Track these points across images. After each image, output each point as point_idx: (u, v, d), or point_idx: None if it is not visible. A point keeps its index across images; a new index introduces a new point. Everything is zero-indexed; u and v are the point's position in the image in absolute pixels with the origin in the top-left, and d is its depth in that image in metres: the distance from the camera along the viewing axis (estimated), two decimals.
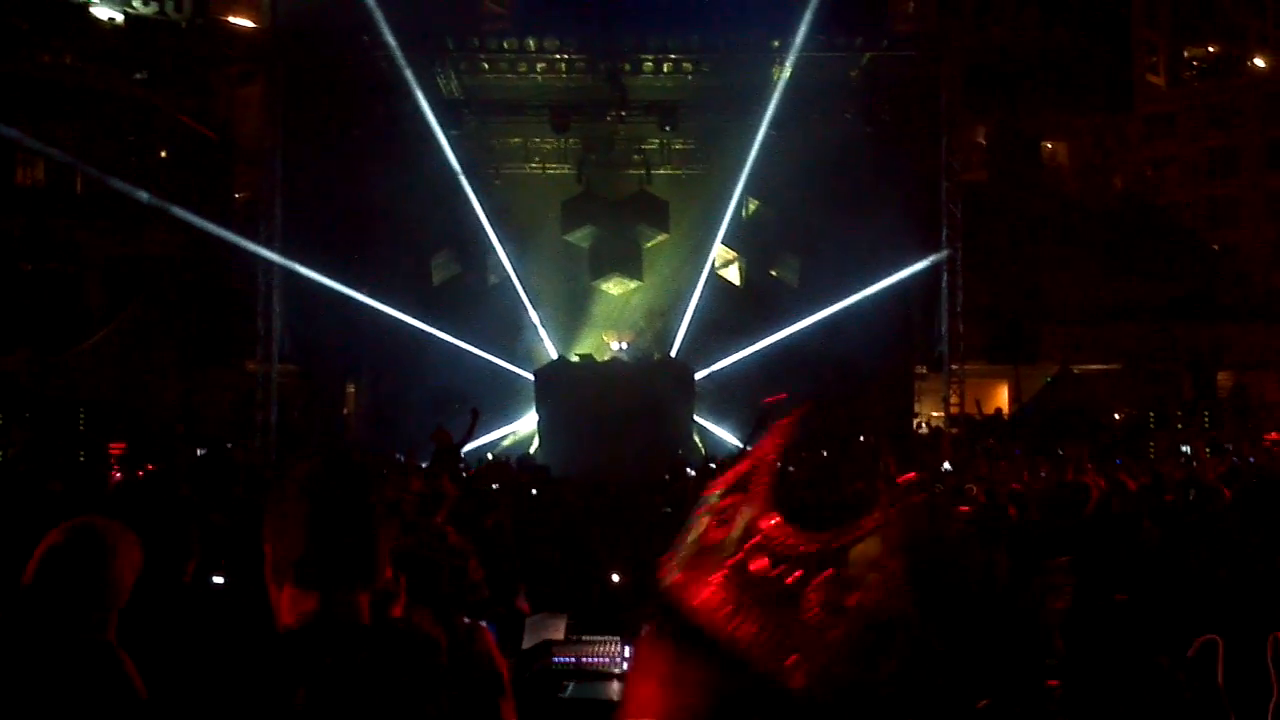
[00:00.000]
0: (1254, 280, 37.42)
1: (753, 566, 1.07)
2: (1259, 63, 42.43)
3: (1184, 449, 24.79)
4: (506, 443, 30.63)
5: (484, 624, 5.14)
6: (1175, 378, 33.27)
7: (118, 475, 18.65)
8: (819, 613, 1.06)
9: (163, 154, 32.50)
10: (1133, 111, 39.93)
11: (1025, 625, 4.62)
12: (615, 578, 9.21)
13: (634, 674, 1.12)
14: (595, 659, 7.44)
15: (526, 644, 7.54)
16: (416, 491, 7.39)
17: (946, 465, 21.45)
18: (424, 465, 20.02)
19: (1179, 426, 27.97)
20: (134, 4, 30.18)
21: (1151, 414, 28.71)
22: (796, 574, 1.07)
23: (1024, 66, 31.37)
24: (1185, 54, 43.50)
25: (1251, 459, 19.14)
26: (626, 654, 7.37)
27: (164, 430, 26.17)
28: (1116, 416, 29.53)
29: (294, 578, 3.04)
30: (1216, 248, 39.13)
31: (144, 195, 27.04)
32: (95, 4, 29.72)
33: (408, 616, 4.06)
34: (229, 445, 25.29)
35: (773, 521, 1.06)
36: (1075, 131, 39.04)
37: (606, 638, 7.52)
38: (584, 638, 7.66)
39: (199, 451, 23.13)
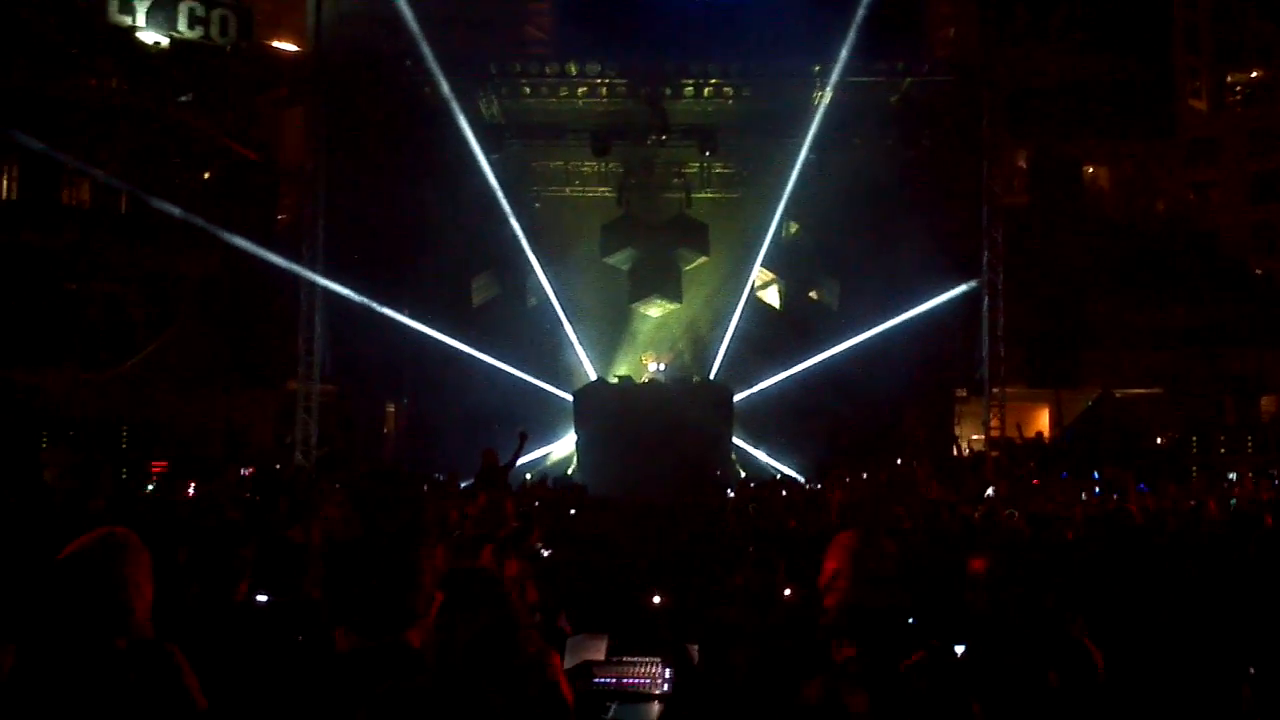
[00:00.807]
0: None
1: None
2: None
3: (1230, 475, 24.57)
4: (547, 463, 30.67)
5: (553, 650, 5.14)
6: (1218, 402, 33.02)
7: (155, 492, 18.79)
8: None
9: (206, 175, 32.74)
10: (1175, 136, 39.65)
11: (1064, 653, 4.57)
12: (656, 599, 9.16)
13: None
14: (637, 680, 7.41)
15: (567, 665, 7.54)
16: (480, 507, 7.43)
17: (990, 491, 21.30)
18: (464, 485, 20.14)
19: (1221, 451, 27.73)
20: (179, 28, 30.37)
21: (1194, 438, 28.47)
22: None
23: (1066, 91, 31.21)
24: (1228, 79, 43.32)
25: None
26: (667, 675, 7.36)
27: (207, 450, 26.31)
28: (1159, 440, 29.29)
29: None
30: (1259, 272, 38.85)
31: (188, 216, 27.27)
32: (141, 29, 29.95)
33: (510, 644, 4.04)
34: (277, 466, 25.42)
35: None
36: (1117, 156, 38.89)
37: (647, 658, 7.49)
38: (625, 659, 7.63)
39: (244, 471, 23.23)
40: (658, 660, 7.41)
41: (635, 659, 7.60)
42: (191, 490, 18.43)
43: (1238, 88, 43.49)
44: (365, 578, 6.71)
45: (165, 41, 30.21)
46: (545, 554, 11.35)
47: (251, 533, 8.12)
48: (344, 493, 14.75)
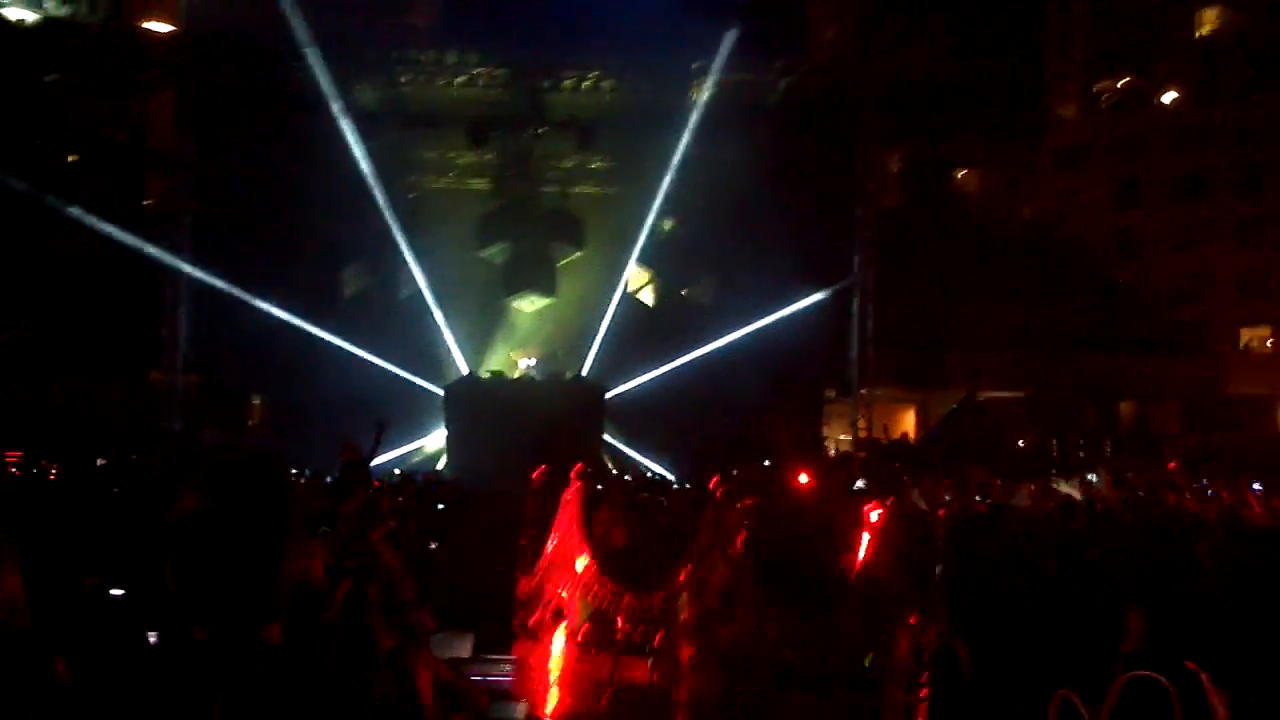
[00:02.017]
0: (1158, 313, 38.01)
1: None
2: (1168, 97, 43.12)
3: (1090, 477, 25.08)
4: (417, 459, 30.40)
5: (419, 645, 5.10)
6: (1078, 406, 33.73)
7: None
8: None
9: (72, 158, 31.98)
10: (1044, 142, 40.44)
11: None
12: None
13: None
14: (507, 678, 7.40)
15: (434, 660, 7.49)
16: (354, 510, 7.32)
17: (860, 484, 21.53)
18: (329, 480, 19.86)
19: (1080, 455, 28.33)
20: (47, 5, 29.62)
21: (1054, 441, 29.07)
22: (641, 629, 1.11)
23: (939, 95, 31.69)
24: (1095, 89, 44.15)
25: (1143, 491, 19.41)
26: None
27: (66, 438, 25.66)
28: (1020, 443, 29.86)
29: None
30: (1122, 280, 39.68)
31: (52, 198, 26.63)
32: (6, 4, 29.15)
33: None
34: (132, 456, 24.86)
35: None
36: (987, 160, 39.51)
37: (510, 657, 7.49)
38: (491, 656, 7.61)
39: (98, 461, 22.67)
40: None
41: (503, 656, 7.59)
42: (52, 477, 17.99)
43: (1105, 95, 44.34)
44: (220, 568, 6.60)
45: (32, 18, 29.43)
46: (432, 547, 11.31)
47: (101, 522, 7.99)
48: (202, 480, 14.43)
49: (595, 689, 6.85)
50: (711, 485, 7.95)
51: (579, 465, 8.54)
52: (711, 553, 5.42)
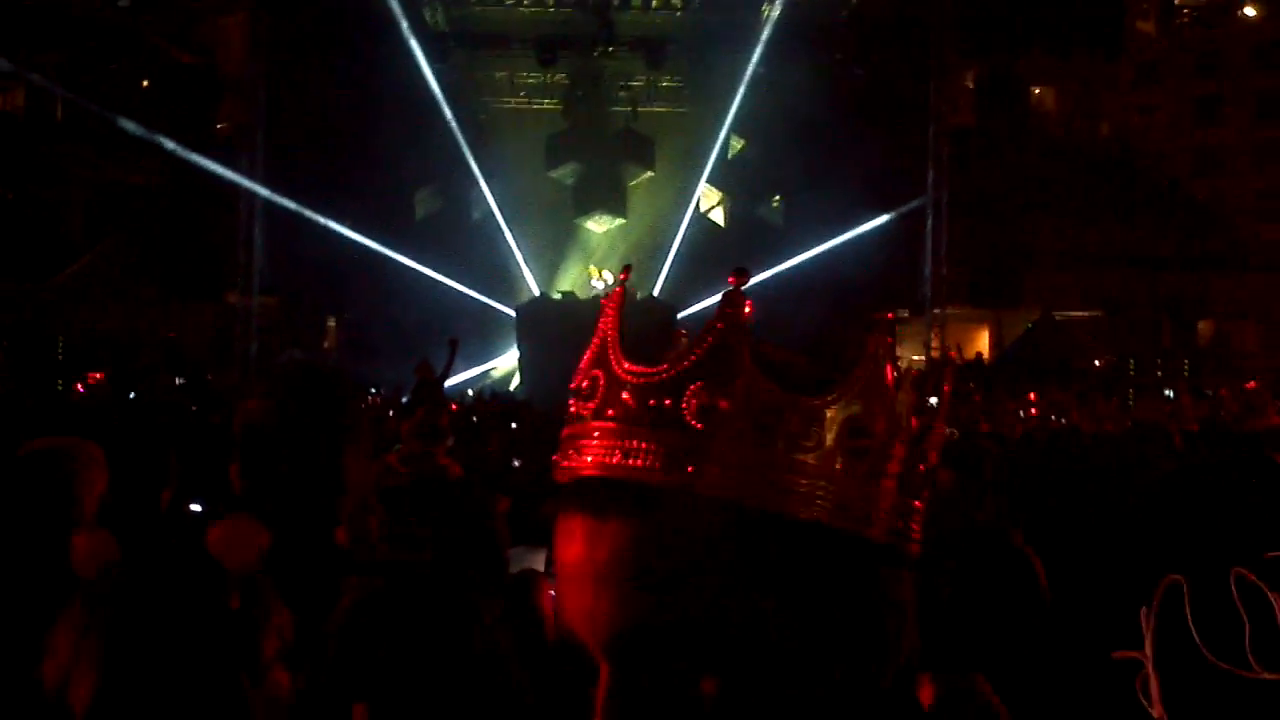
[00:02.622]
0: (1237, 230, 37.44)
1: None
2: (1249, 12, 42.19)
3: (1167, 393, 24.83)
4: (490, 378, 30.62)
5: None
6: (1156, 325, 33.36)
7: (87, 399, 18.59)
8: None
9: (144, 82, 32.18)
10: (1122, 59, 39.70)
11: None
12: None
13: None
14: None
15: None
16: (417, 421, 7.31)
17: (932, 400, 21.44)
18: (404, 400, 20.06)
19: (1159, 374, 28.06)
20: None
21: (1131, 361, 28.78)
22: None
23: (1015, 11, 31.12)
24: (1176, 1, 43.31)
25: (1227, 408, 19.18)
26: None
27: (144, 361, 26.05)
28: (1097, 363, 29.58)
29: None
30: (1200, 197, 39.09)
31: (126, 123, 26.85)
32: None
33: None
34: (208, 375, 25.18)
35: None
36: (1064, 77, 38.87)
37: None
38: None
39: (177, 381, 23.00)
40: None
41: None
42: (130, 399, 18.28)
43: (1185, 10, 43.50)
44: (284, 471, 6.65)
45: None
46: (515, 465, 11.36)
47: (179, 441, 8.04)
48: (266, 383, 14.54)
49: None
50: None
51: None
52: None
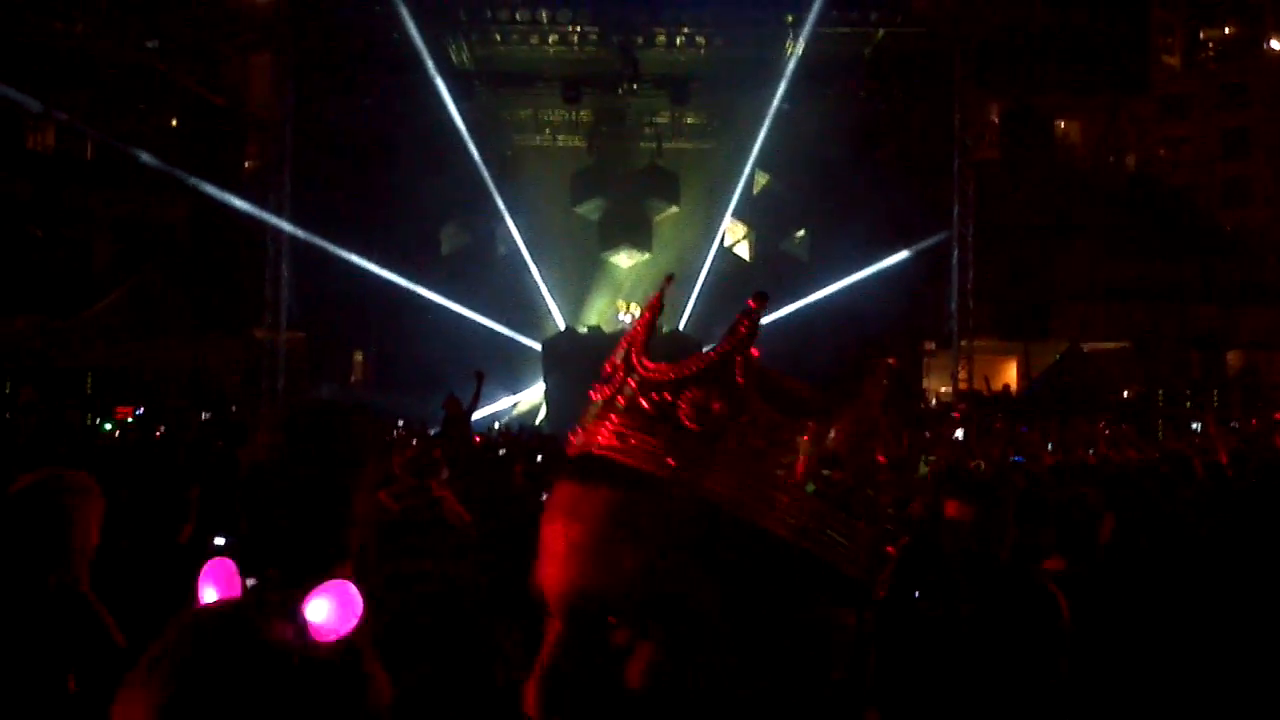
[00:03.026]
0: (1264, 261, 37.29)
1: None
2: (1275, 45, 42.19)
3: (1194, 426, 24.66)
4: (515, 412, 30.66)
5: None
6: (1184, 357, 33.19)
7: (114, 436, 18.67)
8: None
9: (173, 121, 32.47)
10: (1147, 91, 39.68)
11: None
12: None
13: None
14: None
15: None
16: (410, 457, 7.33)
17: (959, 433, 21.33)
18: (433, 433, 20.08)
19: (1187, 405, 27.87)
20: None
21: (1160, 392, 28.60)
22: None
23: (1039, 45, 31.11)
24: (1201, 35, 43.35)
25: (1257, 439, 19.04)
26: None
27: (172, 396, 26.16)
28: (1125, 394, 29.42)
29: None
30: (1228, 229, 38.98)
31: (154, 161, 27.10)
32: None
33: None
34: (233, 408, 25.28)
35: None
36: (1089, 111, 38.87)
37: None
38: None
39: (204, 416, 23.09)
40: None
41: None
42: (159, 435, 18.33)
43: (1210, 44, 43.53)
44: (287, 508, 6.62)
45: None
46: (544, 498, 11.31)
47: (200, 476, 8.03)
48: (275, 419, 14.57)
49: None
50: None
51: None
52: None
